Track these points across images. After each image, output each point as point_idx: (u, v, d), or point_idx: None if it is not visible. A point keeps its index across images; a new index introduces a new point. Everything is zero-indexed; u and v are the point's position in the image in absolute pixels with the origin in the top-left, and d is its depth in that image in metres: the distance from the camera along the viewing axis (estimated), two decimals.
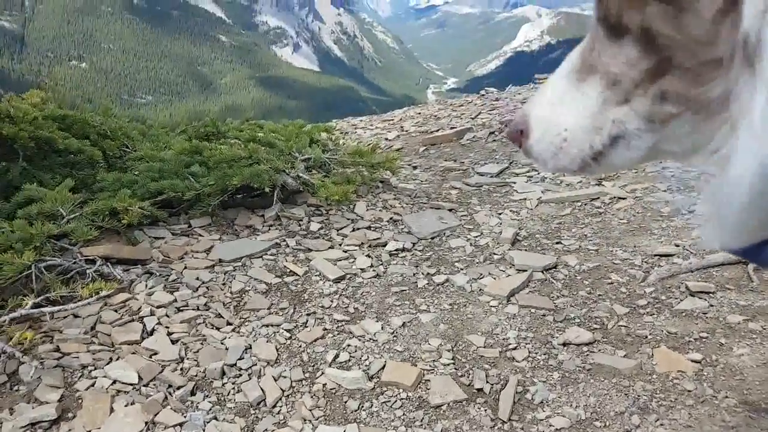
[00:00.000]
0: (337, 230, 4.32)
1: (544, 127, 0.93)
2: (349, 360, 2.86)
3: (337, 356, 2.88)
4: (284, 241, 4.08)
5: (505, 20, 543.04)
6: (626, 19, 0.78)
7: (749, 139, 0.68)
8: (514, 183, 5.59)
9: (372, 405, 2.55)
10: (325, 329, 3.12)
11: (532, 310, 3.26)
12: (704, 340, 2.84)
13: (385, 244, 4.14)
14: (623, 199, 4.77)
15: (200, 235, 4.05)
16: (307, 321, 3.20)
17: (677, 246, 3.83)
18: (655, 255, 3.76)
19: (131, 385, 2.56)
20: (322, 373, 2.75)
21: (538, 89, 0.99)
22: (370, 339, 3.04)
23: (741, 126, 0.69)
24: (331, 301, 3.40)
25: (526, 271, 3.68)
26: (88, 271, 3.25)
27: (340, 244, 4.12)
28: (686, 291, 3.28)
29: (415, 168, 6.56)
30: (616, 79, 0.83)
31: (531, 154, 0.96)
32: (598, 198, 4.85)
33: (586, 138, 0.88)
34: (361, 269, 3.78)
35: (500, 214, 4.78)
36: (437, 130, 8.90)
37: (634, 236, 4.11)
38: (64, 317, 2.97)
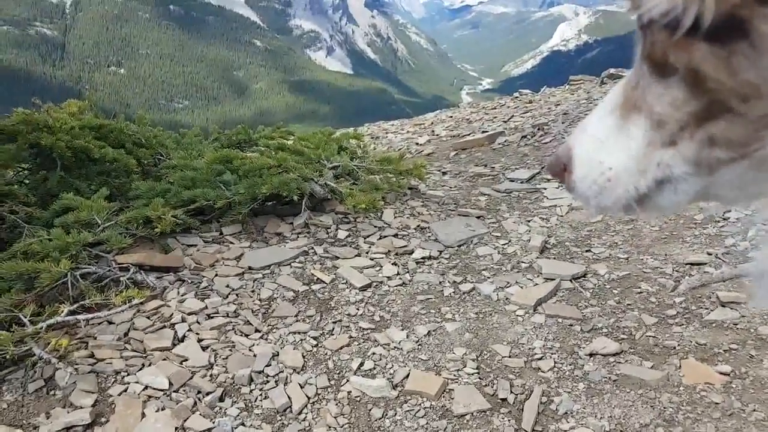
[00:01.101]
0: (364, 238, 4.36)
1: (588, 165, 0.90)
2: (374, 368, 2.89)
3: (362, 364, 2.92)
4: (312, 248, 4.14)
5: (541, 19, 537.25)
6: (672, 59, 0.73)
7: None
8: (545, 189, 5.54)
9: (396, 413, 2.58)
10: (350, 337, 3.16)
11: (559, 320, 3.24)
12: (734, 351, 2.78)
13: (411, 252, 4.16)
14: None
15: (231, 243, 4.14)
16: (333, 329, 3.25)
17: (709, 254, 3.75)
18: (687, 264, 3.69)
19: (162, 390, 2.64)
20: (347, 381, 2.79)
21: (582, 122, 0.95)
22: (395, 347, 3.06)
23: None
24: (357, 309, 3.44)
25: (554, 279, 3.66)
26: (122, 279, 3.36)
27: (367, 252, 4.15)
28: (717, 301, 3.21)
29: (444, 174, 6.56)
30: (662, 120, 0.79)
31: (574, 191, 0.93)
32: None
33: (631, 180, 0.85)
34: (387, 277, 3.81)
35: (529, 221, 4.75)
36: (469, 134, 8.87)
37: (665, 244, 4.04)
38: (99, 324, 3.08)
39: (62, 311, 2.89)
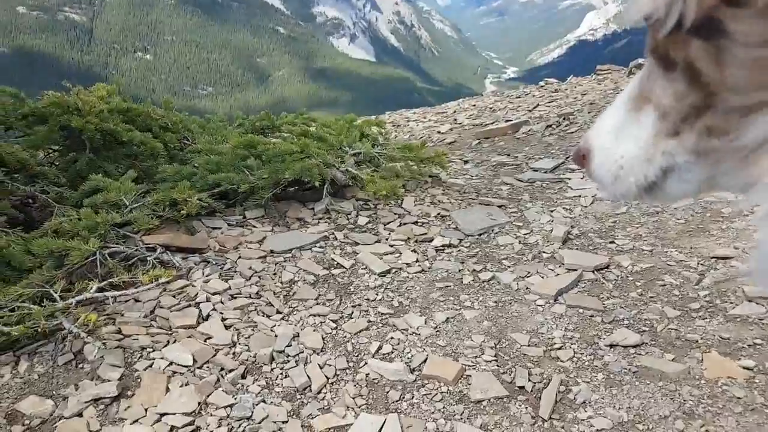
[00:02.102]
0: (385, 225, 4.39)
1: (604, 154, 0.95)
2: (392, 352, 2.93)
3: (380, 348, 2.96)
4: (333, 234, 4.18)
5: (568, 8, 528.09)
6: (673, 54, 0.78)
7: None
8: (569, 179, 5.51)
9: (413, 396, 2.62)
10: (369, 321, 3.20)
11: (580, 311, 3.24)
12: (758, 346, 2.75)
13: (431, 240, 4.18)
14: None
15: (254, 227, 4.21)
16: (352, 312, 3.29)
17: (736, 249, 3.70)
18: (712, 257, 3.65)
19: (186, 367, 2.71)
20: (366, 364, 2.83)
21: (602, 113, 1.00)
22: (413, 333, 3.10)
23: None
24: (376, 294, 3.47)
25: (576, 270, 3.64)
26: (148, 259, 3.43)
27: (387, 239, 4.18)
28: (743, 296, 3.17)
29: (466, 162, 6.55)
30: (666, 112, 0.83)
31: (593, 178, 0.99)
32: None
33: (640, 168, 0.89)
34: (406, 264, 3.84)
35: (552, 211, 4.73)
36: (492, 123, 8.82)
37: (691, 237, 4.00)
38: (126, 301, 3.16)
39: (91, 288, 2.98)
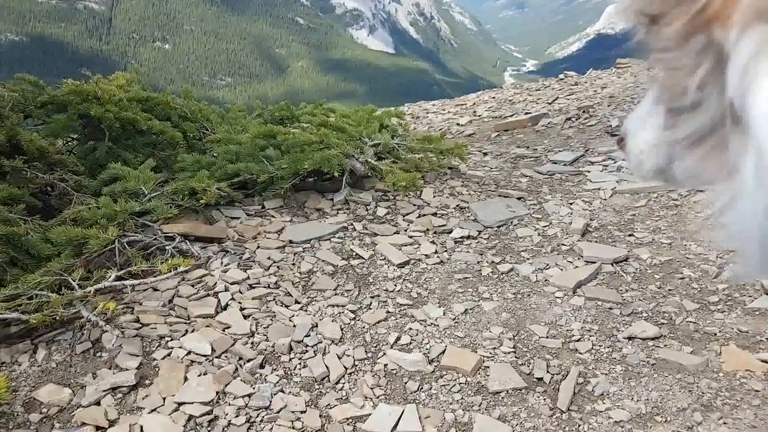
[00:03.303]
0: (403, 216, 4.37)
1: (633, 139, 1.02)
2: (411, 343, 2.93)
3: (398, 338, 2.96)
4: (351, 224, 4.18)
5: (588, 0, 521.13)
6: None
7: (743, 196, 0.70)
8: (589, 172, 5.44)
9: (431, 387, 2.61)
10: (388, 312, 3.20)
11: (599, 303, 3.21)
12: None
13: (450, 231, 4.16)
14: (701, 191, 4.55)
15: (273, 217, 4.22)
16: (371, 303, 3.29)
17: None
18: (731, 251, 3.57)
19: (204, 356, 2.73)
20: (384, 354, 2.84)
21: (641, 100, 1.07)
22: (432, 324, 3.09)
23: (735, 179, 0.72)
24: (395, 285, 3.47)
25: (594, 263, 3.61)
26: (167, 248, 3.46)
27: (406, 230, 4.17)
28: (761, 289, 3.13)
29: (485, 154, 6.50)
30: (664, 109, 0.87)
31: (627, 158, 1.06)
32: (675, 190, 4.65)
33: (654, 153, 0.95)
34: (425, 255, 3.82)
35: (571, 203, 4.68)
36: (511, 115, 8.74)
37: (710, 230, 3.92)
38: (144, 290, 3.20)
39: (110, 276, 3.00)
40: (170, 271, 3.13)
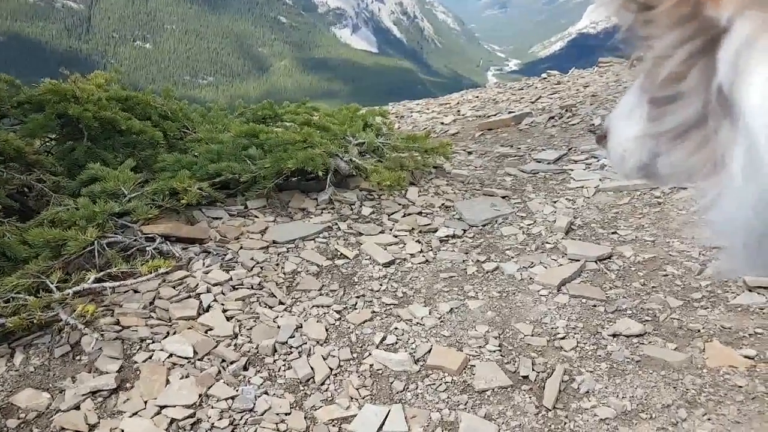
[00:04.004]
0: (388, 215, 4.35)
1: (615, 135, 1.00)
2: (396, 343, 2.91)
3: (384, 338, 2.93)
4: (336, 224, 4.15)
5: (570, 0, 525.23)
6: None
7: (731, 191, 0.68)
8: (572, 170, 5.46)
9: (417, 387, 2.60)
10: (373, 312, 3.18)
11: (583, 301, 3.21)
12: (759, 336, 2.74)
13: (435, 230, 4.15)
14: (684, 189, 4.59)
15: (256, 217, 4.17)
16: (356, 303, 3.26)
17: None
18: (714, 248, 3.60)
19: (186, 358, 2.69)
20: (370, 354, 2.81)
21: (623, 96, 1.05)
22: (418, 323, 3.07)
23: (722, 173, 0.70)
24: (380, 285, 3.45)
25: (578, 261, 3.62)
26: (147, 249, 3.40)
27: (391, 229, 4.15)
28: (744, 285, 3.16)
29: (469, 153, 6.51)
30: (649, 103, 0.86)
31: (609, 156, 1.04)
32: (658, 188, 4.68)
33: (637, 150, 0.92)
34: (410, 254, 3.81)
35: (555, 202, 4.70)
36: (495, 115, 8.76)
37: (693, 228, 3.96)
38: (125, 292, 3.14)
39: (89, 278, 2.94)
40: (151, 273, 3.07)
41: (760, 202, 0.65)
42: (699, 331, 2.84)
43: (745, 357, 2.59)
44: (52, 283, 2.87)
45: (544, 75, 13.23)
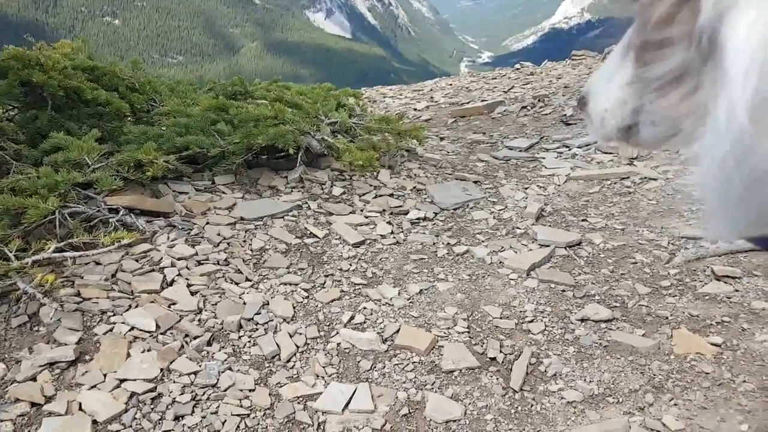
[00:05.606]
0: (360, 196, 4.30)
1: (595, 98, 0.99)
2: (365, 322, 2.87)
3: (352, 318, 2.89)
4: (306, 203, 4.08)
5: None
6: None
7: (716, 138, 0.66)
8: (543, 158, 5.49)
9: (384, 366, 2.56)
10: (342, 291, 3.13)
11: (552, 285, 3.22)
12: (726, 324, 2.78)
13: (406, 213, 4.12)
14: (654, 179, 4.66)
15: (223, 193, 4.07)
16: (324, 282, 3.21)
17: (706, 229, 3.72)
18: (683, 237, 3.67)
19: (149, 332, 2.60)
20: (337, 333, 2.77)
21: (605, 62, 1.05)
22: (386, 303, 3.04)
23: (707, 121, 0.69)
24: (350, 265, 3.40)
25: (548, 246, 3.63)
26: (111, 220, 3.29)
27: (362, 210, 4.10)
28: (711, 275, 3.20)
29: (442, 139, 6.49)
30: (636, 54, 0.85)
31: (588, 120, 1.03)
32: (629, 177, 4.74)
33: (619, 110, 0.92)
34: (381, 235, 3.77)
35: (526, 188, 4.71)
36: (468, 102, 8.76)
37: (662, 217, 4.02)
38: (86, 263, 3.02)
39: (49, 248, 2.83)
40: (113, 244, 2.97)
41: (738, 146, 0.62)
42: (667, 318, 2.88)
43: (712, 344, 2.62)
44: (11, 252, 2.75)
45: (517, 66, 13.30)
